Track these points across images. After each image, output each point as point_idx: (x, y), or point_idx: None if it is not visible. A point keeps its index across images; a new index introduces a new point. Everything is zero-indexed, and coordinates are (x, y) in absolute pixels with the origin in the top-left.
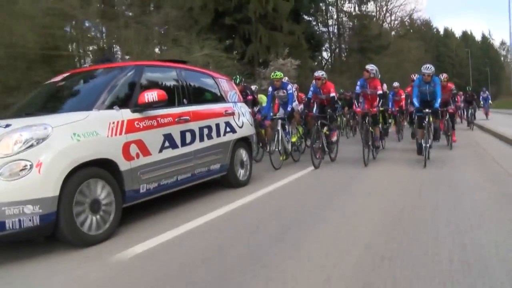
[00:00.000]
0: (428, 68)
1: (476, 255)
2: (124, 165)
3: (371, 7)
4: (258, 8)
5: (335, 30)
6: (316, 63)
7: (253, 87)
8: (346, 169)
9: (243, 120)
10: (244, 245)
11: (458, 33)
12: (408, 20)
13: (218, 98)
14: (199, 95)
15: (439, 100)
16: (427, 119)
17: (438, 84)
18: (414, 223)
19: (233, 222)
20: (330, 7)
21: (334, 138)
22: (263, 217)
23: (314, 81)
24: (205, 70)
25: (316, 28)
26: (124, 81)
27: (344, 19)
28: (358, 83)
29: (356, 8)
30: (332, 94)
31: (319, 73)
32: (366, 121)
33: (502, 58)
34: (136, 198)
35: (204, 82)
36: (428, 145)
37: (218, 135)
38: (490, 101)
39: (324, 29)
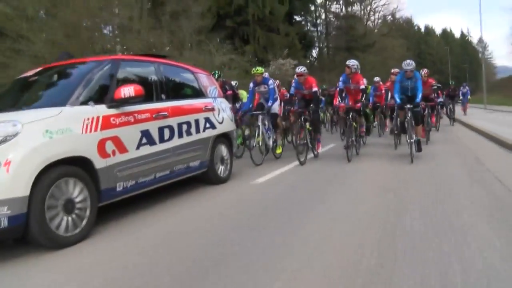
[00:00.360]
0: (409, 64)
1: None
2: (99, 163)
3: (356, 7)
4: (256, 11)
5: (323, 30)
6: (308, 61)
7: (233, 83)
8: (329, 165)
9: (223, 115)
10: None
11: (438, 31)
12: (391, 18)
13: (197, 93)
14: (178, 90)
15: (420, 95)
16: (409, 115)
17: (419, 79)
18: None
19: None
20: (319, 8)
21: (319, 137)
22: (242, 216)
23: (295, 77)
24: (184, 64)
25: (307, 28)
26: (100, 76)
27: (332, 19)
28: (341, 78)
29: (343, 9)
30: (315, 89)
31: (301, 69)
32: (350, 116)
33: (479, 55)
34: (113, 196)
35: (183, 77)
36: (412, 140)
37: (198, 131)
38: (469, 96)
39: (313, 29)
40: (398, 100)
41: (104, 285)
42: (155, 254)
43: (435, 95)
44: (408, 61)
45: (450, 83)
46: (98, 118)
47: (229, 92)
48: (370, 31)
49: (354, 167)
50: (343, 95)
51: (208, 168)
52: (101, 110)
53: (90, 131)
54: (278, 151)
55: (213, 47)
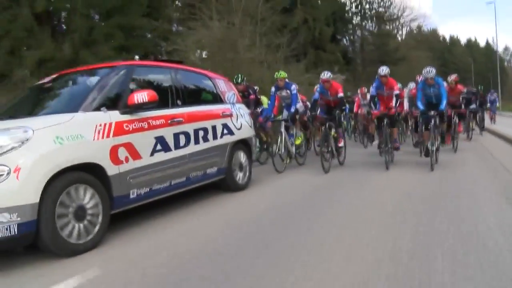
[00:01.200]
0: (429, 72)
1: None
2: (111, 170)
3: (388, 24)
4: (307, 34)
5: (359, 46)
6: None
7: (256, 87)
8: (355, 172)
9: (241, 121)
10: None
11: (463, 40)
12: (416, 29)
13: (215, 99)
14: (194, 96)
15: (444, 102)
16: (433, 122)
17: (442, 85)
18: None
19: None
20: (356, 27)
21: (341, 144)
22: (261, 222)
23: (320, 82)
24: (201, 70)
25: (347, 45)
26: (114, 82)
27: (367, 36)
28: (374, 85)
29: (376, 27)
30: (341, 95)
31: (326, 75)
32: (385, 122)
33: (505, 63)
34: (126, 204)
35: (200, 82)
36: (434, 148)
37: (215, 137)
38: (498, 104)
39: (351, 46)
40: (421, 107)
41: None
42: (172, 261)
43: (464, 101)
44: (428, 68)
45: (479, 88)
46: (110, 124)
47: (252, 96)
48: (400, 45)
49: (378, 175)
50: (376, 100)
51: (226, 175)
52: (114, 116)
53: (102, 138)
54: (297, 142)
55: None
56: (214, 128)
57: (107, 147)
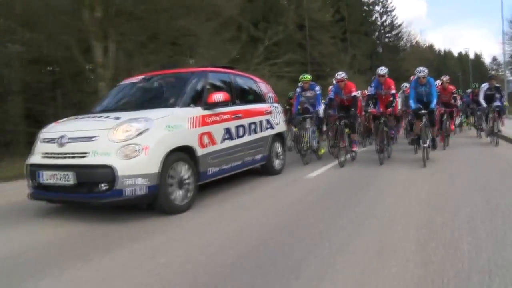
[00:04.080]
0: (421, 71)
1: None
2: (199, 151)
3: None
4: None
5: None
6: None
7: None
8: (366, 167)
9: (278, 118)
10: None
11: (455, 53)
12: (416, 44)
13: (259, 99)
14: (246, 96)
15: (435, 101)
16: (424, 120)
17: (433, 85)
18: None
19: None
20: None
21: (355, 149)
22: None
23: (335, 82)
24: (247, 74)
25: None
26: (198, 84)
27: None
28: (372, 84)
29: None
30: (354, 93)
31: (341, 75)
32: (382, 121)
33: (493, 72)
34: (205, 178)
35: (249, 85)
36: (426, 145)
37: (261, 130)
38: (505, 103)
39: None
40: (413, 106)
41: (205, 244)
42: (242, 224)
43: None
44: (421, 68)
45: (474, 86)
46: (197, 117)
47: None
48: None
49: (386, 168)
50: (374, 100)
51: (267, 161)
52: (200, 111)
53: (194, 127)
54: (322, 151)
55: None
56: (261, 122)
57: (197, 134)
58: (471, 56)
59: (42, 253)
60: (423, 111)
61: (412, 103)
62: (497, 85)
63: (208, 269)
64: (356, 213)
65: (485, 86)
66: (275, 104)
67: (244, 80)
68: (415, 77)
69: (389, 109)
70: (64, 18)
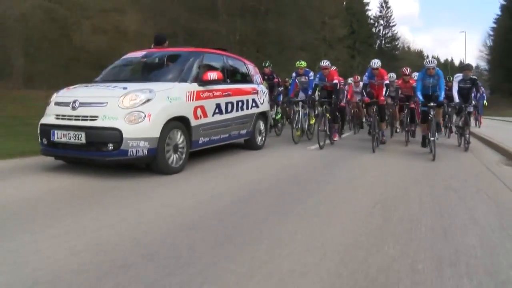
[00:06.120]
0: (431, 62)
1: None
2: (193, 122)
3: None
4: None
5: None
6: None
7: None
8: (350, 151)
9: (263, 98)
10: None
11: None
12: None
13: (247, 79)
14: (236, 76)
15: (443, 93)
16: (432, 113)
17: (442, 77)
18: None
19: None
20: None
21: (336, 138)
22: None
23: (320, 70)
24: (238, 56)
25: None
26: (195, 63)
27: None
28: (366, 74)
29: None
30: (335, 81)
31: (325, 63)
32: (375, 110)
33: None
34: (197, 146)
35: (239, 66)
36: (435, 138)
37: (248, 108)
38: (485, 101)
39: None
40: (421, 98)
41: (196, 203)
42: (235, 184)
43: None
44: (430, 58)
45: (448, 78)
46: (193, 92)
47: (276, 80)
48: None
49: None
50: (367, 89)
51: (250, 137)
52: (195, 87)
53: (190, 100)
54: (312, 121)
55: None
56: (247, 101)
57: (192, 107)
58: (456, 63)
59: (34, 206)
60: (432, 104)
61: (419, 96)
62: (473, 76)
63: (197, 214)
64: (318, 182)
65: (458, 76)
66: (261, 86)
67: (235, 62)
68: (423, 69)
69: (383, 98)
70: None
